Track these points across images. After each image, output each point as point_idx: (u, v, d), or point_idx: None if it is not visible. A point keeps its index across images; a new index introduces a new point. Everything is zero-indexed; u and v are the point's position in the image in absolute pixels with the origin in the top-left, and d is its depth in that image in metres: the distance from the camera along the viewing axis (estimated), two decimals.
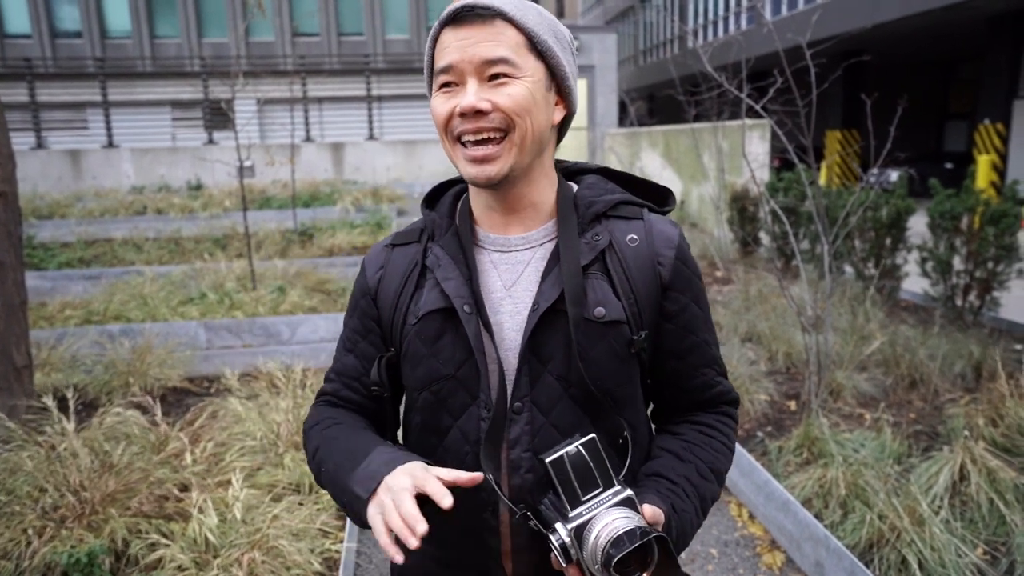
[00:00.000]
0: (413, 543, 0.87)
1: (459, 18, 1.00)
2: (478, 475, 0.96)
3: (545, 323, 1.03)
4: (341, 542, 2.76)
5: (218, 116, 17.46)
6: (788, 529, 2.94)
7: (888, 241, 6.03)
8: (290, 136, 12.96)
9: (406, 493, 0.91)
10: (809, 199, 4.74)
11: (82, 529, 2.57)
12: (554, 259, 1.06)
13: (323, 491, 3.04)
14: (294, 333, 5.54)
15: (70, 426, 3.08)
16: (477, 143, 1.00)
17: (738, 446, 3.47)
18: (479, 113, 0.98)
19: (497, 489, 1.00)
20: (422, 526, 0.87)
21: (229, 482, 2.81)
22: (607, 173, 1.18)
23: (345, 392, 1.18)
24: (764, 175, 9.00)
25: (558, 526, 0.92)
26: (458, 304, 1.04)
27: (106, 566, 2.46)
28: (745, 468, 3.36)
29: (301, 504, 2.87)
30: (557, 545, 0.92)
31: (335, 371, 1.20)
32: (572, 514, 0.92)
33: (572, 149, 19.82)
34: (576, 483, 0.93)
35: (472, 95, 0.98)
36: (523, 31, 1.01)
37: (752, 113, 4.51)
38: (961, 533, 2.66)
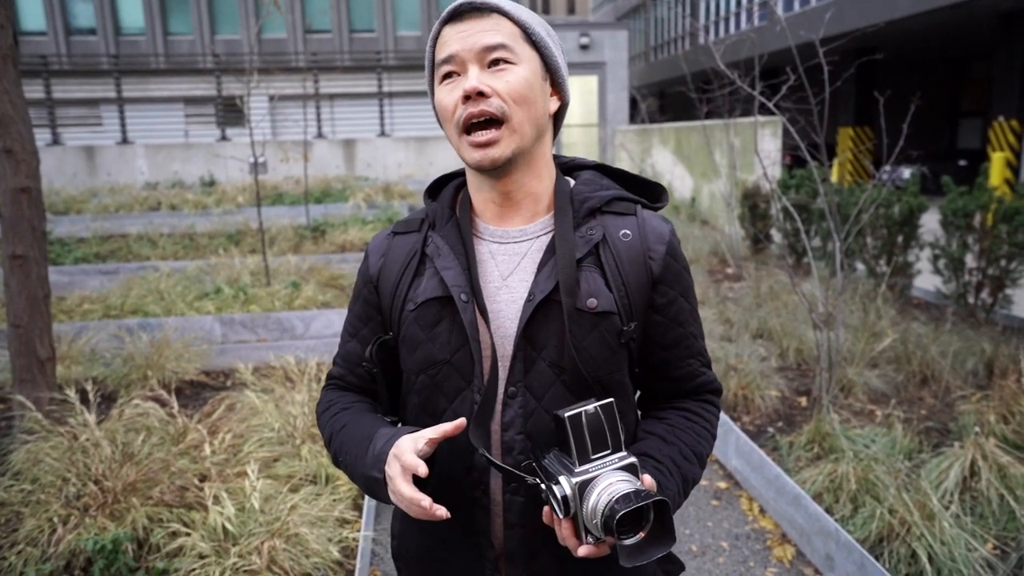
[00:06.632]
0: (440, 514, 0.97)
1: (458, 15, 1.07)
2: (461, 421, 1.02)
3: (540, 312, 1.08)
4: (358, 531, 2.81)
5: (231, 112, 17.55)
6: (799, 523, 2.97)
7: (900, 238, 6.02)
8: (302, 132, 13.03)
9: (399, 480, 0.99)
10: (821, 196, 4.75)
11: (105, 518, 2.63)
12: (550, 251, 1.10)
13: (340, 481, 3.09)
14: (308, 328, 5.60)
15: (91, 418, 3.14)
16: (480, 127, 1.05)
17: (749, 441, 3.50)
18: (481, 95, 1.03)
19: (488, 456, 1.05)
20: (424, 501, 0.97)
21: (248, 473, 2.86)
22: (602, 169, 1.22)
23: (350, 377, 1.25)
24: (776, 172, 8.99)
25: (562, 479, 0.96)
26: (455, 293, 1.09)
27: (129, 553, 2.52)
28: (756, 463, 3.38)
29: (319, 495, 2.92)
30: (559, 497, 0.95)
31: (340, 356, 1.26)
32: (578, 470, 0.95)
33: (583, 146, 19.82)
34: (589, 441, 0.97)
35: (474, 79, 1.04)
36: (518, 23, 1.07)
37: (764, 110, 4.52)
38: (971, 528, 2.68)
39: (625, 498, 0.90)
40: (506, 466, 1.05)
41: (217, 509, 2.62)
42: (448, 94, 1.07)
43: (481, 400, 1.07)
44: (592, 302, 1.08)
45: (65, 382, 4.01)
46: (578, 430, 0.96)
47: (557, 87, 1.14)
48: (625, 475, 0.95)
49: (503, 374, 1.09)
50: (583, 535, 0.96)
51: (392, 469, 1.01)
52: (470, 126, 1.05)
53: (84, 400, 3.40)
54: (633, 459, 0.98)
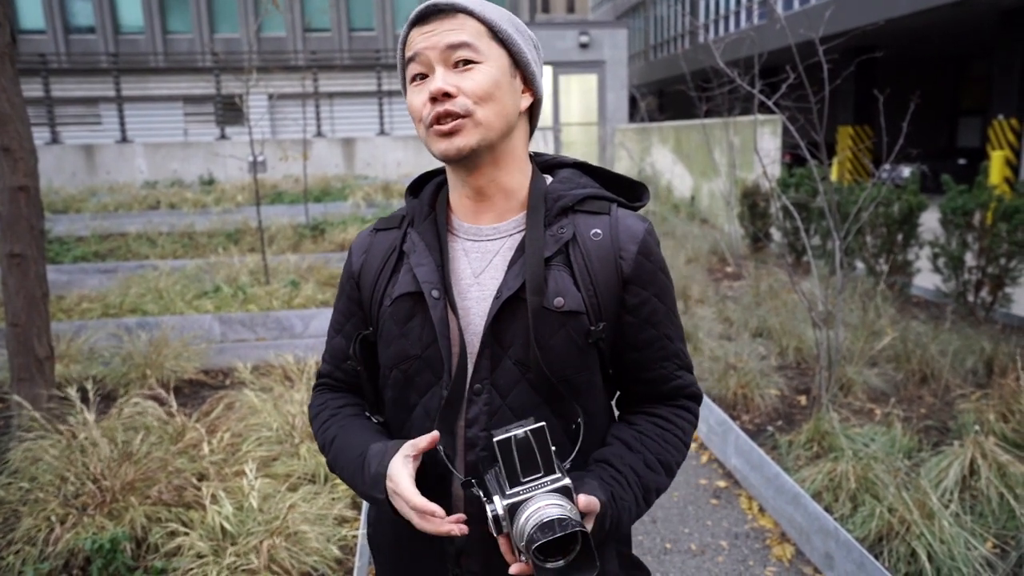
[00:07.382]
0: (464, 528, 1.01)
1: (424, 16, 1.08)
2: (434, 434, 1.04)
3: (507, 310, 1.08)
4: (357, 529, 2.81)
5: (230, 111, 17.53)
6: (798, 522, 2.97)
7: (900, 237, 6.02)
8: (302, 131, 13.01)
9: (420, 522, 1.02)
10: (821, 195, 4.75)
11: (103, 517, 2.63)
12: (520, 250, 1.10)
13: (338, 480, 3.09)
14: (307, 326, 5.59)
15: (90, 416, 3.13)
16: (444, 120, 1.06)
17: (748, 439, 3.50)
18: (447, 96, 1.04)
19: (447, 462, 1.07)
20: (454, 530, 1.01)
21: (246, 472, 2.85)
22: (584, 168, 1.22)
23: (338, 373, 1.27)
24: (775, 171, 8.98)
25: (496, 499, 0.97)
26: (426, 289, 1.10)
27: (127, 553, 2.52)
28: (755, 461, 3.38)
29: (317, 493, 2.92)
30: (491, 516, 0.97)
31: (327, 352, 1.28)
32: (509, 491, 0.97)
33: (583, 144, 19.79)
34: (518, 465, 0.97)
35: (440, 80, 1.04)
36: (483, 22, 1.07)
37: (764, 109, 4.52)
38: (971, 527, 2.67)
39: (547, 526, 0.91)
40: (455, 471, 1.08)
41: (215, 508, 2.61)
42: (417, 95, 1.08)
43: (447, 396, 1.08)
44: (559, 301, 1.08)
45: (64, 381, 4.01)
46: (507, 454, 0.97)
47: (528, 83, 1.14)
48: (557, 498, 0.96)
49: (469, 371, 1.10)
50: (516, 553, 0.98)
51: (401, 506, 1.04)
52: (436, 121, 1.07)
53: (83, 399, 3.40)
54: (567, 481, 0.98)
